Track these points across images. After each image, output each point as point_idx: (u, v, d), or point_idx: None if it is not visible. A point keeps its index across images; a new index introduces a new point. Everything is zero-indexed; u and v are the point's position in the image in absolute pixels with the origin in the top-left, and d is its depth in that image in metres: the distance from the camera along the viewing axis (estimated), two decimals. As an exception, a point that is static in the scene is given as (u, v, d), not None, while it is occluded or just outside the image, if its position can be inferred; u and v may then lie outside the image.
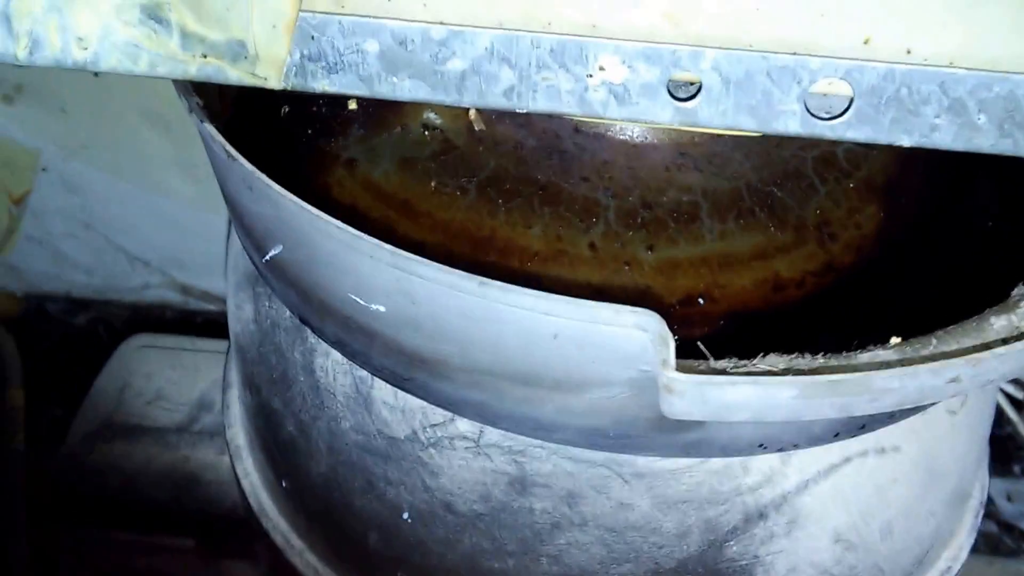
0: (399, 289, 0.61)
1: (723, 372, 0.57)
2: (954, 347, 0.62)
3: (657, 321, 0.56)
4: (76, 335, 1.68)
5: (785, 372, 0.58)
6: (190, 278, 1.71)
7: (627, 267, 0.73)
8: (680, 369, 0.56)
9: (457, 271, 0.58)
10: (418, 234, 0.75)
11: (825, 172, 0.81)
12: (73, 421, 1.38)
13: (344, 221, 0.63)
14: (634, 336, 0.57)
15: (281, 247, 0.67)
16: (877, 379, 0.56)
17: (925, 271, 0.78)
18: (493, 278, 0.62)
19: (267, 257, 0.69)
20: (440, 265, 0.58)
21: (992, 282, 0.71)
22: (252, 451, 0.99)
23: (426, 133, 0.81)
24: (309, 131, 0.82)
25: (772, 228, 0.77)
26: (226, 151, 0.64)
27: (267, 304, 0.85)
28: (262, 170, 0.64)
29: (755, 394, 0.56)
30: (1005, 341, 0.62)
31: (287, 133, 0.82)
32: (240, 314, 0.89)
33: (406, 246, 0.63)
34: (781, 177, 0.80)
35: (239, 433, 1.01)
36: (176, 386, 1.40)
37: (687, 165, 0.79)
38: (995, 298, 0.66)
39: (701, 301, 0.74)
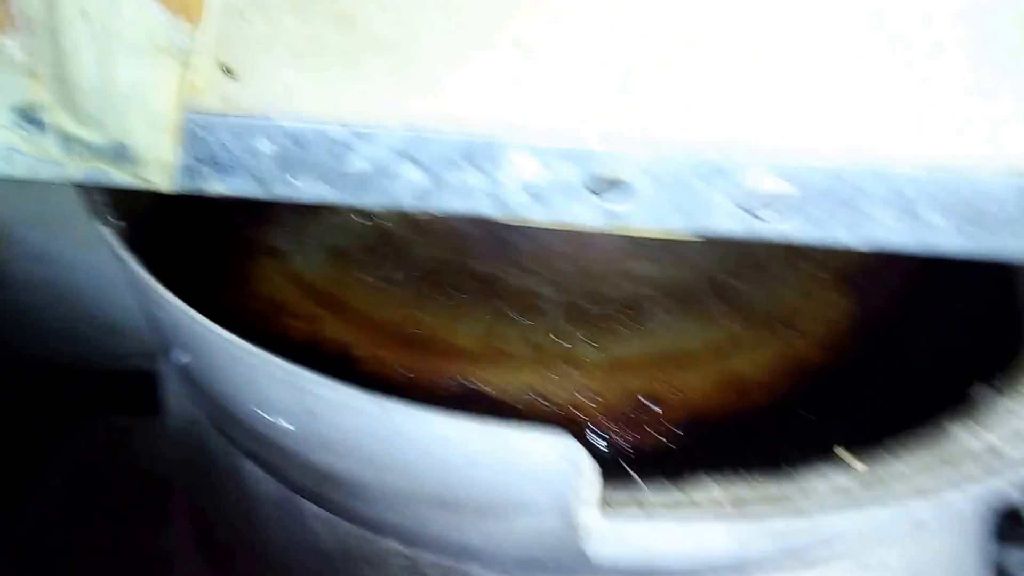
0: (302, 407, 0.55)
1: (651, 508, 0.52)
2: (915, 467, 0.57)
3: (576, 450, 0.51)
4: (42, 404, 1.63)
5: (721, 506, 0.52)
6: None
7: (572, 368, 0.68)
8: (603, 505, 0.51)
9: (356, 391, 0.52)
10: (346, 333, 0.69)
11: (795, 263, 0.76)
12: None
13: (267, 318, 0.58)
14: (554, 465, 0.52)
15: (189, 356, 0.62)
16: (823, 521, 0.50)
17: (899, 368, 0.72)
18: (425, 383, 0.57)
19: (176, 361, 0.63)
20: (338, 384, 0.53)
21: (970, 378, 0.65)
22: (191, 551, 0.93)
23: (358, 220, 0.76)
24: (237, 216, 0.77)
25: (734, 324, 0.71)
26: (117, 255, 0.59)
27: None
28: (184, 259, 0.60)
29: (684, 537, 0.50)
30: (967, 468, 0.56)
31: (216, 217, 0.77)
32: (169, 406, 0.84)
33: (333, 347, 0.58)
34: (746, 268, 0.75)
35: (180, 531, 0.95)
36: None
37: (642, 255, 0.74)
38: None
39: (652, 405, 0.68)
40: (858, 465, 0.58)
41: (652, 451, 0.68)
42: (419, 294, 0.70)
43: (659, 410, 0.69)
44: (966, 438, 0.58)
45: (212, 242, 0.75)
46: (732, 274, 0.73)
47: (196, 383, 0.67)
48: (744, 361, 0.71)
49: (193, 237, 0.70)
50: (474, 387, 0.67)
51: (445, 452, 0.54)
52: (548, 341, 0.69)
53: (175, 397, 0.78)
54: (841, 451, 0.57)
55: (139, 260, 0.59)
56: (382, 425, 0.54)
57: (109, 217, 0.63)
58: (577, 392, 0.69)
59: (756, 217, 0.54)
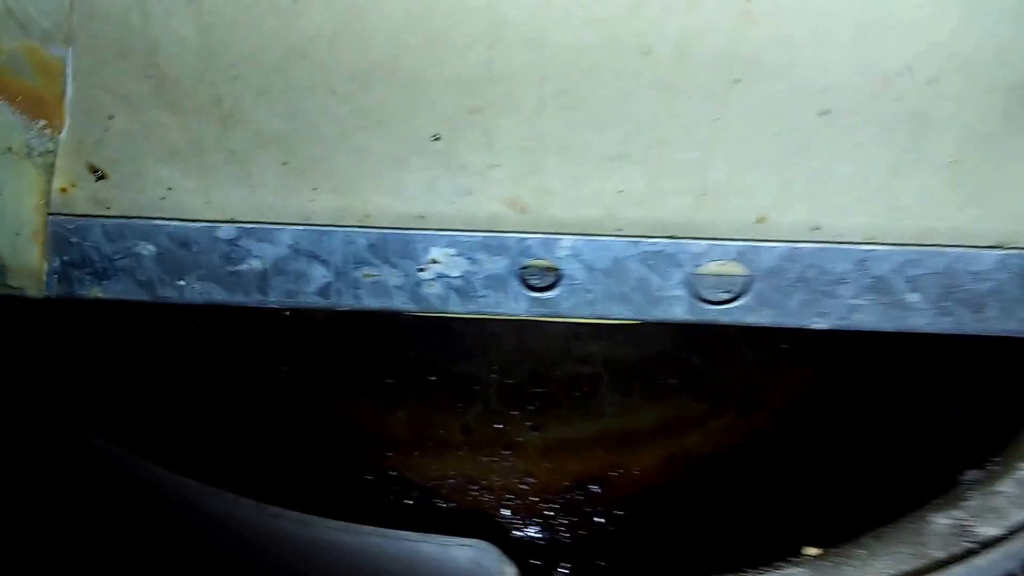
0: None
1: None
2: (887, 562, 0.51)
3: (495, 557, 0.45)
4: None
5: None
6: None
7: (507, 452, 0.62)
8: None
9: (242, 501, 0.46)
10: (270, 424, 0.63)
11: (755, 335, 0.70)
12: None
13: (190, 407, 0.52)
14: (470, 572, 0.46)
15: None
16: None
17: (862, 445, 0.67)
18: (352, 474, 0.51)
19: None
20: (221, 492, 0.47)
21: (942, 460, 0.60)
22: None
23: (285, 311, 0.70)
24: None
25: (685, 398, 0.66)
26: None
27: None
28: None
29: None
30: (946, 563, 0.51)
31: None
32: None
33: (255, 435, 0.52)
34: (701, 342, 0.69)
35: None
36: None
37: (587, 333, 0.69)
38: (942, 482, 0.55)
39: (595, 487, 0.62)
40: (813, 551, 0.53)
41: (591, 534, 0.63)
42: (349, 382, 0.65)
43: (599, 490, 0.64)
44: (933, 517, 0.53)
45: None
46: (686, 349, 0.68)
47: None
48: (694, 437, 0.66)
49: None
50: (404, 476, 0.62)
51: (351, 562, 0.48)
52: (483, 425, 0.64)
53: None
54: (809, 550, 0.51)
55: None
56: (274, 532, 0.48)
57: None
58: (511, 476, 0.63)
59: (704, 301, 0.48)
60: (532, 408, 0.62)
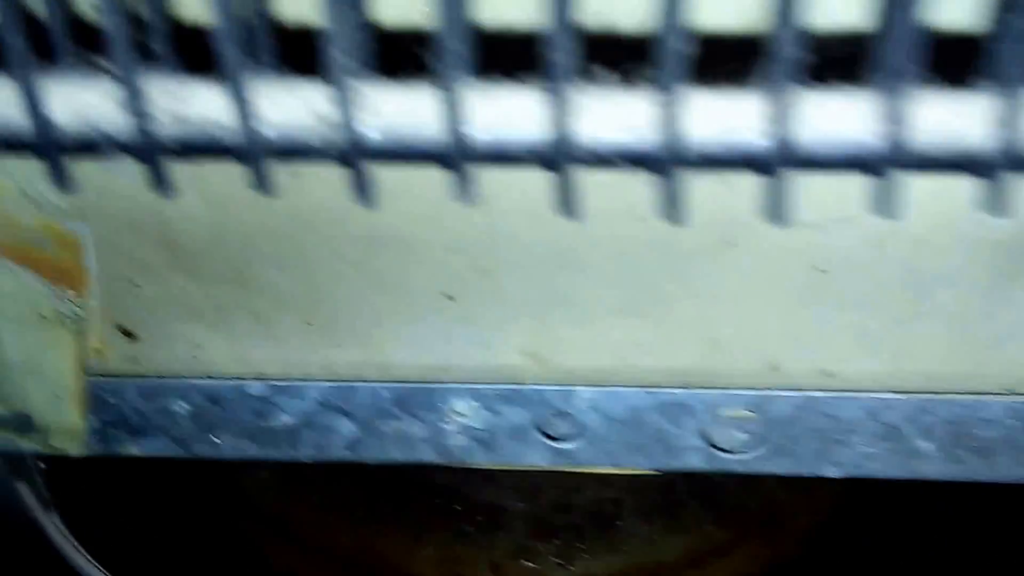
0: None
1: None
2: None
3: None
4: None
5: None
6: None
7: (537, 591, 0.63)
8: None
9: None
10: (294, 561, 0.64)
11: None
12: None
13: (211, 543, 0.53)
14: None
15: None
16: None
17: (891, 564, 0.67)
18: None
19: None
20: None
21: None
22: None
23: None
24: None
25: (709, 526, 0.67)
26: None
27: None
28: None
29: None
30: None
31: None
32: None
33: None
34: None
35: None
36: None
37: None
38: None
39: (626, 625, 0.63)
40: None
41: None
42: (373, 514, 0.66)
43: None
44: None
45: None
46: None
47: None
48: (720, 568, 0.66)
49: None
50: (433, 616, 0.63)
51: None
52: (509, 561, 0.65)
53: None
54: None
55: (61, 521, 0.55)
56: None
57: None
58: (545, 616, 0.64)
59: (720, 450, 0.50)
60: (559, 542, 0.63)
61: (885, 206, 0.33)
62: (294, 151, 0.29)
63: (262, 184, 0.30)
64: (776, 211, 0.33)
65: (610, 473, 0.66)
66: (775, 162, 0.32)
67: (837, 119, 0.32)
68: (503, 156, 0.30)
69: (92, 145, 0.29)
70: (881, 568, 0.65)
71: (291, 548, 0.62)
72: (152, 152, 0.30)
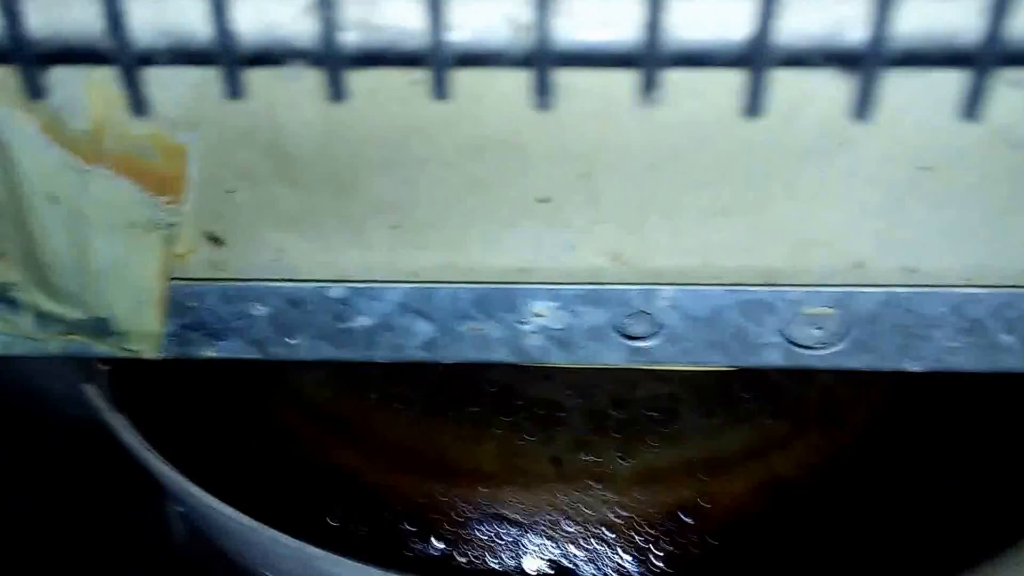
0: (315, 578, 0.51)
1: None
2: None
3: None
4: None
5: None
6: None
7: (598, 483, 0.63)
8: None
9: (364, 567, 0.48)
10: (356, 460, 0.65)
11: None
12: None
13: (273, 445, 0.53)
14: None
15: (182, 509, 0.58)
16: None
17: (947, 458, 0.67)
18: (442, 509, 0.52)
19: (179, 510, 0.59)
20: (346, 560, 0.48)
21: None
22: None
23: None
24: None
25: (767, 419, 0.67)
26: (101, 418, 0.54)
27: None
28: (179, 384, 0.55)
29: None
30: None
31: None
32: (176, 537, 0.79)
33: (339, 476, 0.53)
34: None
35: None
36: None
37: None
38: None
39: (687, 518, 0.63)
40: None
41: (686, 564, 0.64)
42: (431, 411, 0.66)
43: (693, 522, 0.65)
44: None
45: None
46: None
47: (201, 531, 0.62)
48: (780, 460, 0.66)
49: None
50: (493, 509, 0.63)
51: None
52: (571, 455, 0.65)
53: (180, 534, 0.73)
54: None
55: (128, 421, 0.54)
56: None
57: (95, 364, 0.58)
58: (605, 509, 0.64)
59: (800, 347, 0.49)
60: (618, 435, 0.63)
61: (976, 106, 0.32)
62: (481, 57, 0.28)
63: (441, 92, 0.29)
64: (866, 109, 0.32)
65: (668, 370, 0.65)
66: (872, 59, 0.31)
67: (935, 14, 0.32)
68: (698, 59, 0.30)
69: (272, 55, 0.28)
70: (938, 458, 0.66)
71: (351, 447, 0.62)
72: (336, 61, 0.29)
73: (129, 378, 0.63)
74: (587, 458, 0.63)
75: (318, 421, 0.66)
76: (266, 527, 0.49)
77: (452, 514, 0.61)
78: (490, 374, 0.66)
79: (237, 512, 0.50)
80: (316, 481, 0.63)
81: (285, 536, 0.48)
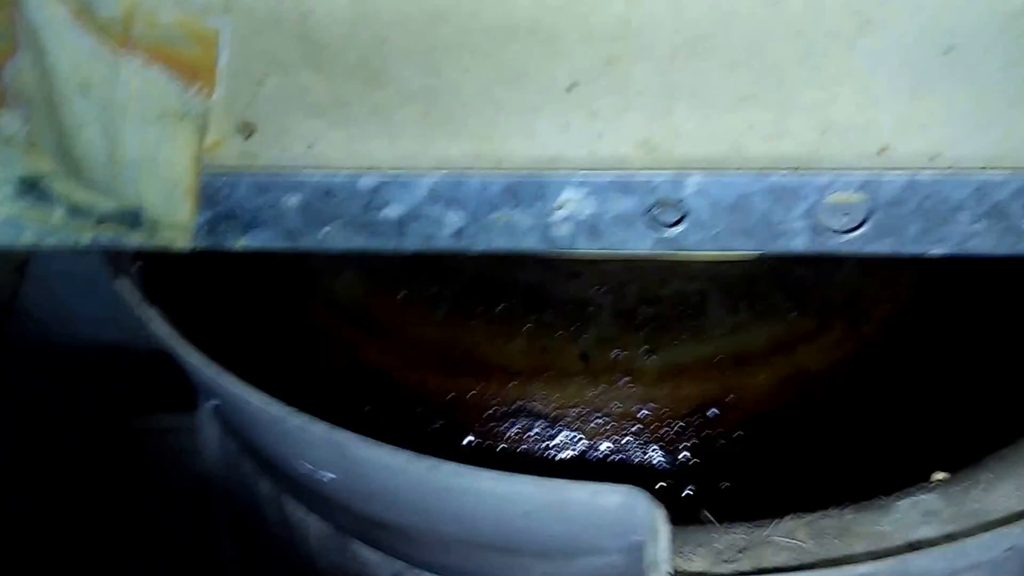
0: (345, 464, 0.52)
1: (729, 561, 0.48)
2: (1012, 484, 0.53)
3: (645, 501, 0.47)
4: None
5: (802, 545, 0.49)
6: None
7: (625, 378, 0.64)
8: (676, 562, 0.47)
9: (396, 452, 0.49)
10: (384, 359, 0.66)
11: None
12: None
13: (304, 343, 0.54)
14: (620, 516, 0.48)
15: (216, 402, 0.59)
16: (913, 562, 0.47)
17: (972, 348, 0.68)
18: (472, 404, 0.54)
19: (208, 405, 0.60)
20: (379, 446, 0.49)
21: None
22: None
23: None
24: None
25: (793, 313, 0.67)
26: (138, 312, 0.55)
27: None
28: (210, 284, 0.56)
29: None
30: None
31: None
32: (207, 445, 0.80)
33: (370, 374, 0.54)
34: (803, 252, 0.70)
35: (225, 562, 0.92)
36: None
37: (690, 247, 0.69)
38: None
39: (713, 411, 0.64)
40: (941, 475, 0.55)
41: (713, 456, 0.65)
42: (461, 309, 0.66)
43: (718, 413, 0.65)
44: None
45: (240, 266, 0.70)
46: (787, 259, 0.68)
47: (232, 428, 0.63)
48: (806, 354, 0.67)
49: (220, 263, 0.66)
50: (523, 405, 0.64)
51: (499, 505, 0.50)
52: (597, 351, 0.66)
53: (211, 439, 0.74)
54: (937, 475, 0.53)
55: (162, 313, 0.55)
56: (428, 481, 0.50)
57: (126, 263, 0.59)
58: (632, 403, 0.65)
59: (826, 232, 0.50)
60: (645, 331, 0.64)
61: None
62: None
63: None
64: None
65: (694, 265, 0.66)
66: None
67: None
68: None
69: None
70: (962, 351, 0.66)
71: (380, 343, 0.63)
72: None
73: (162, 282, 0.64)
74: (615, 354, 0.64)
75: (349, 320, 0.66)
76: (299, 412, 0.50)
77: (482, 409, 0.61)
78: (520, 273, 0.67)
79: (270, 398, 0.51)
80: (348, 379, 0.64)
81: (318, 421, 0.49)
